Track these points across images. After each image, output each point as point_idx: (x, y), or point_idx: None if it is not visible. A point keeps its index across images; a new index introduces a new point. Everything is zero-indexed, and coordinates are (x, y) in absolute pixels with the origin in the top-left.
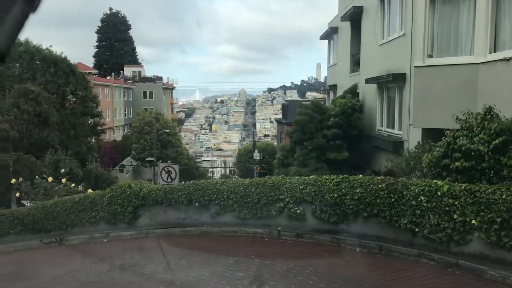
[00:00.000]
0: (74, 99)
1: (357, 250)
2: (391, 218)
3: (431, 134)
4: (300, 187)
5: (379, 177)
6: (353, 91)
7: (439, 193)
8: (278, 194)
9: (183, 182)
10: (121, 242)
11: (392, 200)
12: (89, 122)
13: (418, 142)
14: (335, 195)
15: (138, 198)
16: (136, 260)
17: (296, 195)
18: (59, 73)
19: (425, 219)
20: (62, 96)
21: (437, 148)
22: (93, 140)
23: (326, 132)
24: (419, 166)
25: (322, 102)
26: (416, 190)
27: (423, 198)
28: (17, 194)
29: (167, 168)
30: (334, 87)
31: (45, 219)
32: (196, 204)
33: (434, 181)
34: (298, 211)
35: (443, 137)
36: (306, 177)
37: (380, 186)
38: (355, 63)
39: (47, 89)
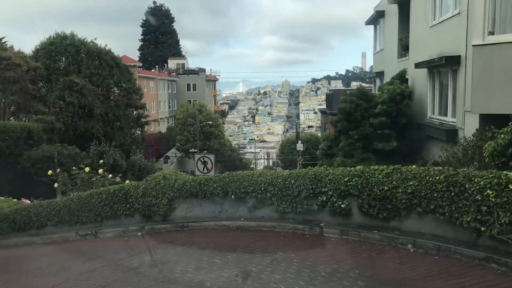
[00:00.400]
0: (118, 91)
1: (411, 250)
2: (451, 214)
3: (491, 121)
4: (345, 179)
5: (436, 168)
6: (401, 77)
7: (510, 187)
8: (320, 186)
9: (217, 174)
10: (155, 235)
11: (452, 194)
12: (133, 114)
13: (476, 130)
14: (385, 187)
15: (172, 190)
16: (168, 256)
17: (340, 188)
18: (103, 65)
19: (493, 216)
20: (106, 88)
21: (502, 135)
22: (137, 131)
23: (372, 121)
24: (477, 156)
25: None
26: (482, 183)
27: (490, 192)
28: (55, 185)
29: (203, 159)
30: (380, 74)
31: (80, 210)
32: (232, 196)
33: (505, 172)
34: (342, 206)
35: (510, 123)
36: (352, 168)
37: (437, 178)
38: (403, 48)
39: (91, 81)
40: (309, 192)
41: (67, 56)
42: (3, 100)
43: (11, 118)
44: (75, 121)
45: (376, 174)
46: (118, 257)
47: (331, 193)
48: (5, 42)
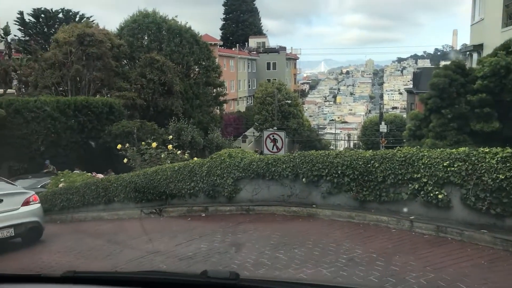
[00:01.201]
0: (197, 69)
1: None
2: None
3: None
4: (444, 164)
5: None
6: (507, 48)
7: None
8: (412, 172)
9: (287, 154)
10: (218, 217)
11: None
12: (212, 92)
13: None
14: (500, 176)
15: (238, 170)
16: (226, 245)
17: (437, 175)
18: (183, 43)
19: None
20: (186, 66)
21: None
22: (216, 110)
23: (470, 98)
24: None
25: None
26: None
27: None
28: (125, 160)
29: (273, 136)
30: (478, 48)
31: (146, 187)
32: (304, 179)
33: None
34: (440, 196)
35: None
36: (453, 150)
37: None
38: (510, 15)
39: (172, 59)
40: (397, 178)
41: (149, 34)
42: (87, 76)
43: (97, 95)
44: (155, 98)
45: (488, 159)
46: (174, 242)
47: (425, 180)
48: (92, 21)
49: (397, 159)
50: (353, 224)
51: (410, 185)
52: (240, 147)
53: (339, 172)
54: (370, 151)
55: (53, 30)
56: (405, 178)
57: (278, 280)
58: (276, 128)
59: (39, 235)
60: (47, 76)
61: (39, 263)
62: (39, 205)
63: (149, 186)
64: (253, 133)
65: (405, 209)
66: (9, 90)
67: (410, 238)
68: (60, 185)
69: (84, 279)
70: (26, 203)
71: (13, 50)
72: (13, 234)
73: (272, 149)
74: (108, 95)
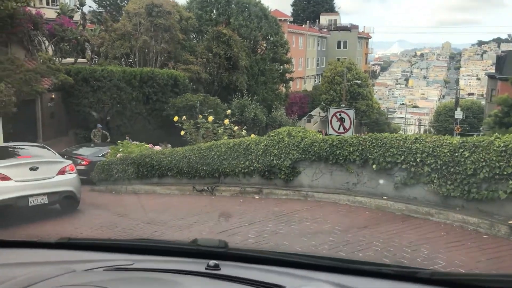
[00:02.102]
0: (265, 44)
1: None
2: None
3: None
4: None
5: None
6: None
7: None
8: None
9: (354, 135)
10: (273, 201)
11: None
12: (279, 68)
13: None
14: None
15: (298, 150)
16: (277, 237)
17: None
18: (252, 17)
19: None
20: (253, 41)
21: None
22: (281, 87)
23: None
24: None
25: None
26: None
27: None
28: (182, 133)
29: (340, 114)
30: None
31: (199, 163)
32: (374, 166)
33: None
34: None
35: None
36: None
37: None
38: None
39: (239, 33)
40: (493, 171)
41: (217, 7)
42: (155, 47)
43: (163, 68)
44: (221, 73)
45: None
46: (220, 227)
47: None
48: None
49: (495, 148)
50: (432, 223)
51: (510, 181)
52: (304, 127)
53: (418, 160)
54: (458, 137)
55: (126, 1)
56: (504, 172)
57: (266, 250)
58: (343, 105)
59: (75, 205)
60: (117, 47)
61: (59, 232)
62: (75, 175)
63: (202, 162)
64: (319, 113)
65: (501, 211)
66: (80, 60)
67: (509, 249)
68: (118, 155)
69: (77, 245)
70: (62, 172)
71: (87, 21)
72: (46, 202)
73: (338, 129)
74: (174, 68)
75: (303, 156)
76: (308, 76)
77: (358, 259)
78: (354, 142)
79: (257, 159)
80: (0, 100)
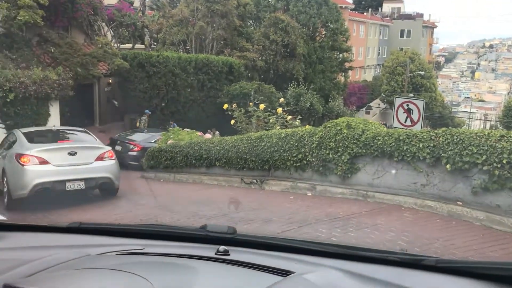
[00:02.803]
0: (324, 31)
1: None
2: None
3: None
4: None
5: None
6: None
7: None
8: None
9: (428, 129)
10: (327, 201)
11: None
12: (337, 57)
13: None
14: None
15: (357, 144)
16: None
17: None
18: (311, 3)
19: None
20: (312, 28)
21: None
22: (339, 76)
23: None
24: None
25: None
26: None
27: None
28: (232, 122)
29: (407, 105)
30: None
31: (248, 154)
32: (447, 166)
33: None
34: None
35: None
36: None
37: None
38: None
39: (298, 20)
40: None
41: None
42: (211, 34)
43: (219, 54)
44: (277, 60)
45: None
46: (266, 228)
47: None
48: None
49: None
50: None
51: None
52: (365, 119)
53: (503, 161)
54: None
55: None
56: None
57: (274, 236)
58: (412, 95)
59: (113, 192)
60: (174, 33)
61: (92, 218)
62: (113, 161)
63: (252, 153)
64: (379, 104)
65: None
66: (138, 46)
67: None
68: (169, 142)
69: (88, 230)
70: (100, 158)
71: (147, 7)
72: (83, 187)
73: (405, 122)
74: (230, 55)
75: (364, 150)
76: (368, 66)
77: (365, 246)
78: (425, 137)
79: (311, 152)
80: (57, 83)
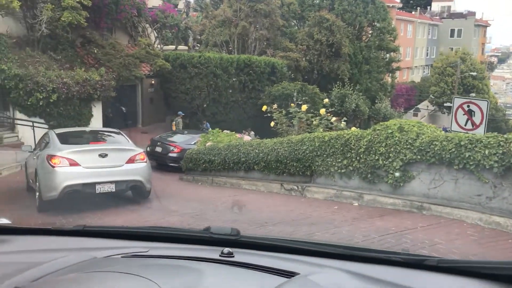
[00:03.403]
0: (370, 30)
1: None
2: None
3: None
4: None
5: None
6: None
7: None
8: None
9: (492, 134)
10: (376, 212)
11: None
12: (384, 57)
13: None
14: None
15: (411, 149)
16: None
17: None
18: (357, 1)
19: None
20: (358, 27)
21: None
22: (386, 77)
23: None
24: None
25: None
26: None
27: None
28: (272, 124)
29: (468, 106)
30: None
31: (289, 158)
32: None
33: None
34: None
35: None
36: None
37: None
38: None
39: (343, 19)
40: None
41: None
42: (253, 34)
43: (262, 55)
44: (321, 60)
45: None
46: None
47: None
48: None
49: None
50: None
51: None
52: (420, 121)
53: None
54: None
55: None
56: None
57: (278, 238)
58: (473, 95)
59: (145, 195)
60: (217, 34)
61: (123, 222)
62: (145, 164)
63: (293, 158)
64: (427, 106)
65: None
66: (181, 47)
67: None
68: (207, 144)
69: (92, 233)
70: (131, 160)
71: (191, 9)
72: (113, 190)
73: (465, 125)
74: (273, 56)
75: (419, 157)
76: (415, 66)
77: (368, 247)
78: (492, 142)
79: (357, 158)
80: (100, 84)
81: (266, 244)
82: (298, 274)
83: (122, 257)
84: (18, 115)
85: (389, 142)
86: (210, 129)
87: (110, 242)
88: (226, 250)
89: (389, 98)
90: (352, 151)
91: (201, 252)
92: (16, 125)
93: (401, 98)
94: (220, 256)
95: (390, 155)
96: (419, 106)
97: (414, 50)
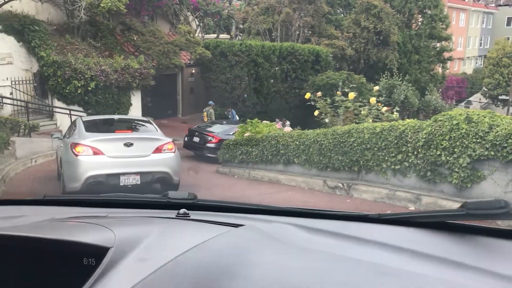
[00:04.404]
0: (421, 18)
1: None
2: None
3: None
4: None
5: None
6: None
7: None
8: None
9: None
10: None
11: None
12: (435, 46)
13: None
14: None
15: (482, 144)
16: None
17: None
18: None
19: None
20: (407, 14)
21: None
22: (437, 67)
23: None
24: None
25: None
26: None
27: None
28: (315, 113)
29: None
30: None
31: (333, 151)
32: None
33: None
34: None
35: None
36: None
37: None
38: None
39: (392, 5)
40: None
41: None
42: (297, 21)
43: (306, 43)
44: (368, 49)
45: None
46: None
47: None
48: None
49: None
50: None
51: None
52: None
53: None
54: None
55: None
56: None
57: (234, 201)
58: None
59: (173, 188)
60: (260, 22)
61: None
62: (173, 154)
63: (338, 151)
64: (479, 99)
65: None
66: (223, 36)
67: None
68: (246, 135)
69: (52, 201)
70: (158, 150)
71: None
72: (138, 183)
73: None
74: (318, 44)
75: (492, 153)
76: (468, 57)
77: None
78: None
79: (415, 152)
80: (139, 72)
81: (221, 206)
82: (244, 225)
83: (81, 218)
84: (57, 103)
85: (454, 135)
86: (236, 118)
87: (70, 209)
88: (182, 210)
89: (439, 90)
90: (409, 145)
91: (158, 214)
92: (54, 113)
93: (451, 90)
94: (176, 216)
95: (455, 150)
96: (470, 98)
97: (467, 40)
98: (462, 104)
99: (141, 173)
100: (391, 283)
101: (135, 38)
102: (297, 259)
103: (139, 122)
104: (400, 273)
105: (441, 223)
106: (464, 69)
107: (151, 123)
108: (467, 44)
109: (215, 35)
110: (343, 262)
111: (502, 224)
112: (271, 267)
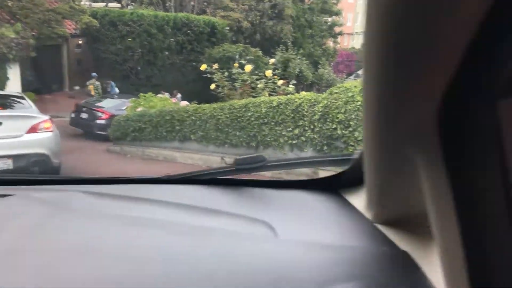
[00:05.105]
0: None
1: None
2: None
3: None
4: None
5: None
6: None
7: None
8: None
9: None
10: None
11: None
12: (327, 21)
13: None
14: None
15: None
16: None
17: None
18: None
19: None
20: None
21: None
22: (329, 42)
23: None
24: None
25: None
26: None
27: None
28: (212, 86)
29: None
30: None
31: (230, 126)
32: None
33: None
34: None
35: None
36: None
37: None
38: None
39: None
40: None
41: None
42: None
43: (202, 15)
44: (264, 22)
45: None
46: None
47: None
48: None
49: None
50: None
51: None
52: None
53: None
54: None
55: None
56: None
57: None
58: None
59: (52, 172)
60: None
61: None
62: (51, 134)
63: (235, 126)
64: None
65: None
66: (112, 5)
67: None
68: (138, 110)
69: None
70: (33, 129)
71: None
72: (11, 167)
73: None
74: (213, 16)
75: None
76: (356, 32)
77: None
78: None
79: (311, 127)
80: (16, 42)
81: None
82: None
83: None
84: None
85: (350, 107)
86: (116, 91)
87: None
88: None
89: (331, 64)
90: (305, 119)
91: None
92: None
93: (342, 64)
94: None
95: (351, 123)
96: (359, 72)
97: (355, 15)
98: (352, 77)
99: (13, 156)
100: (170, 234)
101: (9, 4)
102: (72, 222)
103: (10, 98)
104: (179, 227)
105: (215, 179)
106: (353, 44)
107: (24, 99)
108: (355, 19)
109: (104, 4)
110: (125, 220)
111: (266, 175)
112: (33, 225)
